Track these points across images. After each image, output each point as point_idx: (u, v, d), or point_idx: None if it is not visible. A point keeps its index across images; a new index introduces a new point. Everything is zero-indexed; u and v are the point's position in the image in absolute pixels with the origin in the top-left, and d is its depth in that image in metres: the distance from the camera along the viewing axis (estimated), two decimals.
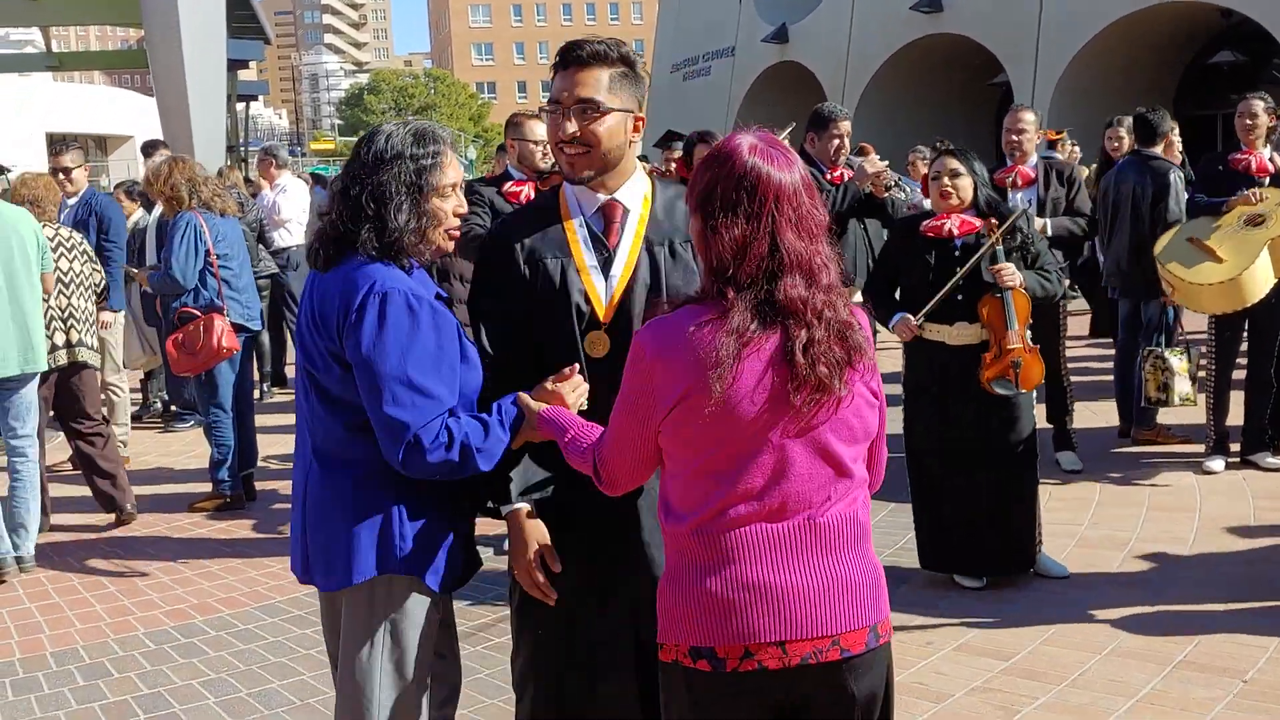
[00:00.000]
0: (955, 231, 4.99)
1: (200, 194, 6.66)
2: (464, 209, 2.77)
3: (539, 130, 5.53)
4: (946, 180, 5.01)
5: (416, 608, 2.71)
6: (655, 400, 2.15)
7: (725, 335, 2.07)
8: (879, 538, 5.75)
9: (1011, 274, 4.89)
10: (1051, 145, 10.87)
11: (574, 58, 2.67)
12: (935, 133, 15.58)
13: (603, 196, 2.74)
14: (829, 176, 6.53)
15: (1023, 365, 4.90)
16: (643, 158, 14.41)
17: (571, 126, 2.64)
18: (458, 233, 2.78)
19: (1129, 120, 10.48)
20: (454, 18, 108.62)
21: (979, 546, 5.06)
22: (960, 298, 4.97)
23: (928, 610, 4.90)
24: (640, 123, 2.73)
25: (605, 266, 2.71)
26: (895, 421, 5.10)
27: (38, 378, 5.98)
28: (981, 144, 16.67)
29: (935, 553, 5.17)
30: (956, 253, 4.99)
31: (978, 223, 4.99)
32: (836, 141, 6.49)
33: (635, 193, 2.78)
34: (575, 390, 2.61)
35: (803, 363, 2.08)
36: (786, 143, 4.33)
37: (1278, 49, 19.04)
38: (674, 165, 9.43)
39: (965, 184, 5.00)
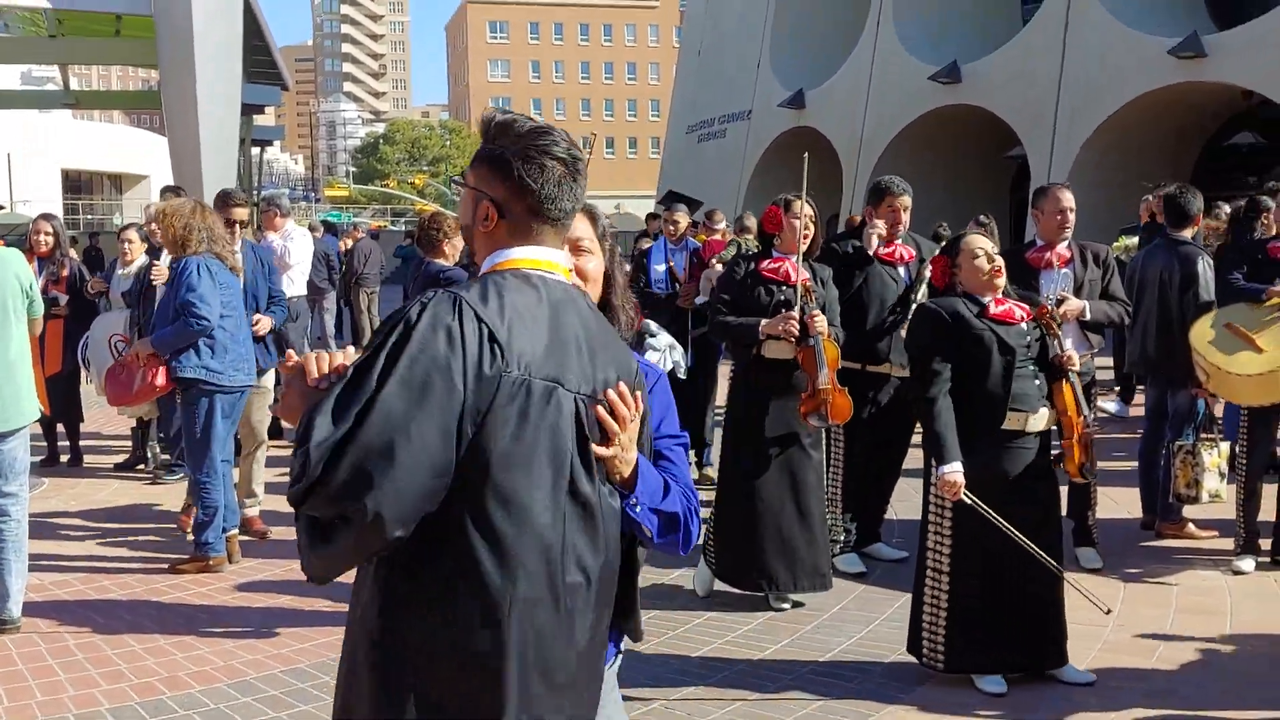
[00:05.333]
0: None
1: (213, 247, 6.48)
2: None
3: None
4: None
5: None
6: None
7: None
8: (894, 630, 5.45)
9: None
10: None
11: None
12: (950, 204, 15.46)
13: None
14: (881, 252, 6.41)
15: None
16: (653, 215, 14.31)
17: None
18: None
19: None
20: (473, 71, 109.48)
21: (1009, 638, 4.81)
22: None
23: (947, 715, 4.60)
24: (491, 212, 2.33)
25: None
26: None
27: (27, 432, 5.70)
28: (997, 216, 16.52)
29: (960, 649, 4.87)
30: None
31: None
32: (892, 216, 6.42)
33: None
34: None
35: None
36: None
37: None
38: (674, 226, 9.25)
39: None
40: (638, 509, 2.39)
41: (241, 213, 7.58)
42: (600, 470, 2.31)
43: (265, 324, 7.34)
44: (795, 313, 5.66)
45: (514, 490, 2.17)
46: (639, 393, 2.41)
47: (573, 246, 2.65)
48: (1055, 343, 4.87)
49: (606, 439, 2.31)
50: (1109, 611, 4.97)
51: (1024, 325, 4.82)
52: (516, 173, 2.30)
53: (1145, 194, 10.61)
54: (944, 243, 5.06)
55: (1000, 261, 4.84)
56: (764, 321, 5.74)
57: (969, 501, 4.67)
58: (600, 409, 2.30)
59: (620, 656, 2.73)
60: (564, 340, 2.26)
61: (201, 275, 6.32)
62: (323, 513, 2.10)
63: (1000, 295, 4.85)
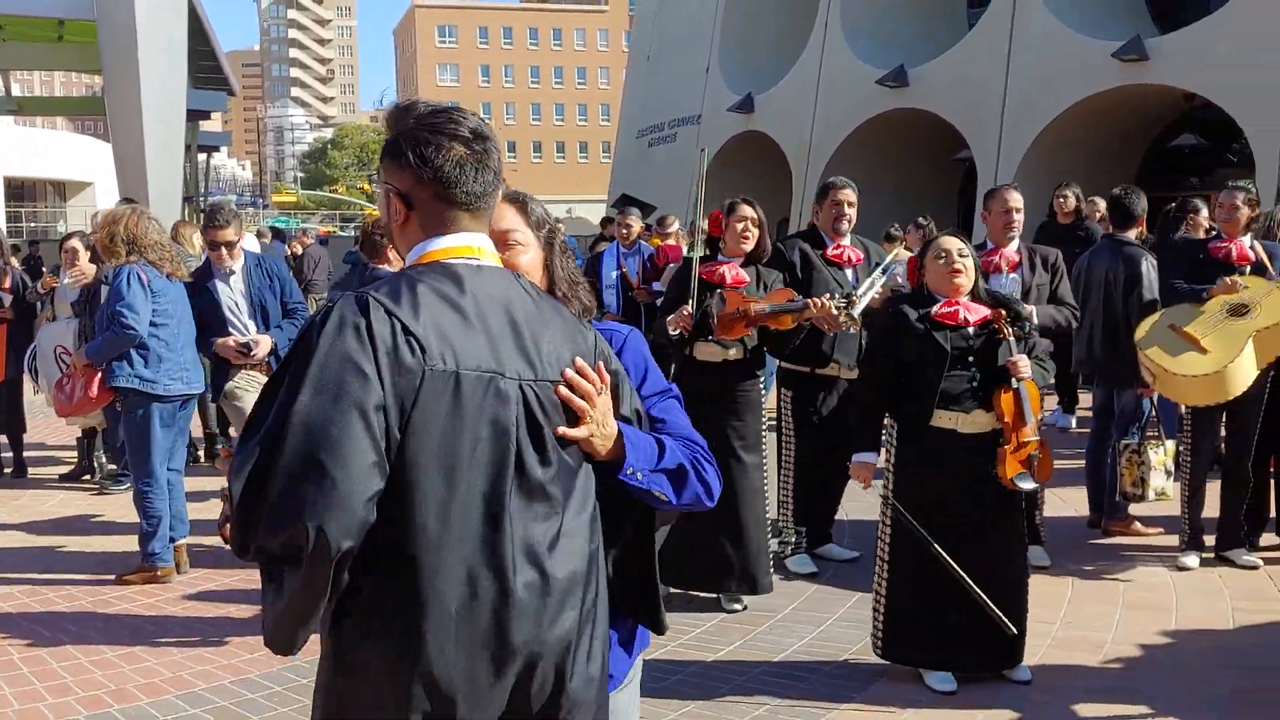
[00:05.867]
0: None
1: (145, 255, 6.37)
2: None
3: None
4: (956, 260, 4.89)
5: None
6: None
7: None
8: (845, 629, 5.49)
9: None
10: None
11: None
12: (898, 206, 15.58)
13: None
14: (828, 253, 6.42)
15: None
16: (608, 219, 14.37)
17: None
18: None
19: (1076, 186, 10.47)
20: (422, 75, 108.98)
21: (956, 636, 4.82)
22: None
23: (893, 714, 4.62)
24: (398, 204, 2.23)
25: None
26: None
27: None
28: (946, 219, 16.65)
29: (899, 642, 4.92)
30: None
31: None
32: (835, 210, 6.42)
33: None
34: None
35: None
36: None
37: (1238, 133, 19.20)
38: (627, 230, 9.31)
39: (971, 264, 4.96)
40: (639, 477, 2.27)
41: (227, 233, 7.03)
42: (569, 455, 2.19)
43: (264, 346, 6.93)
44: (688, 307, 5.65)
45: (451, 490, 2.04)
46: (601, 363, 2.28)
47: (500, 239, 2.45)
48: (1005, 348, 4.87)
49: (577, 420, 2.20)
50: (1015, 634, 4.85)
51: (970, 329, 4.84)
52: (412, 158, 2.19)
53: (1058, 194, 10.57)
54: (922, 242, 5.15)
55: (961, 263, 4.85)
56: (669, 318, 5.71)
57: (881, 493, 4.89)
58: (563, 389, 2.18)
59: (637, 670, 2.62)
60: (495, 328, 2.14)
61: (131, 284, 6.24)
62: (267, 545, 2.00)
63: (960, 297, 4.86)
